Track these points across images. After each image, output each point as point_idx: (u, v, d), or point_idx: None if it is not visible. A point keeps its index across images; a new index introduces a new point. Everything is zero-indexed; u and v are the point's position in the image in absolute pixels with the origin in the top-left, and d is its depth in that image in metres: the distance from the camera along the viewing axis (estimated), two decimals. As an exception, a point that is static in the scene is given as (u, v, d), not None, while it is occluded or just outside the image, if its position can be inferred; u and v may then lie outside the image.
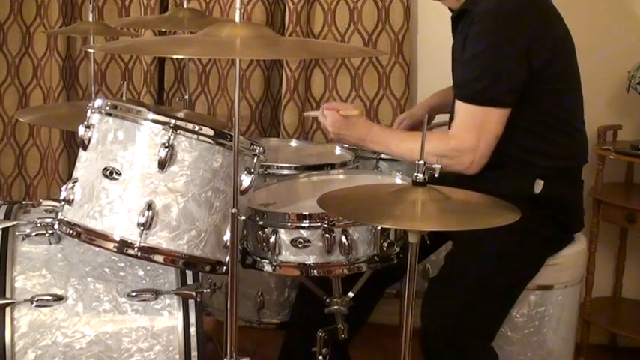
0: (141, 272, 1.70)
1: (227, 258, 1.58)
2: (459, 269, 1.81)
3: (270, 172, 2.09)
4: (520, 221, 1.77)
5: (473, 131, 1.79)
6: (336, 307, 1.82)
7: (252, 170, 1.62)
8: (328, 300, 1.83)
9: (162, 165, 1.54)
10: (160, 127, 1.55)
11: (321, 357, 1.81)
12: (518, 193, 1.81)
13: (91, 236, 1.57)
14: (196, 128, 1.56)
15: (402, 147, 1.87)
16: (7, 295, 1.61)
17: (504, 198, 1.71)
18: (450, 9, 2.01)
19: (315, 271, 1.69)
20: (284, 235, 1.68)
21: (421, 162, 1.48)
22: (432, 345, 1.76)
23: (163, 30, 2.58)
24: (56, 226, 1.64)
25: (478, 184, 1.66)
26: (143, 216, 1.53)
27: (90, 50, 2.63)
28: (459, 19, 1.90)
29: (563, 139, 1.85)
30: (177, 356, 1.65)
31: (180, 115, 2.39)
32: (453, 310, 1.74)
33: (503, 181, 1.82)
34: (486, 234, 1.71)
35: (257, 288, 2.20)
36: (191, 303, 1.67)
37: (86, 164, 1.61)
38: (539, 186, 1.85)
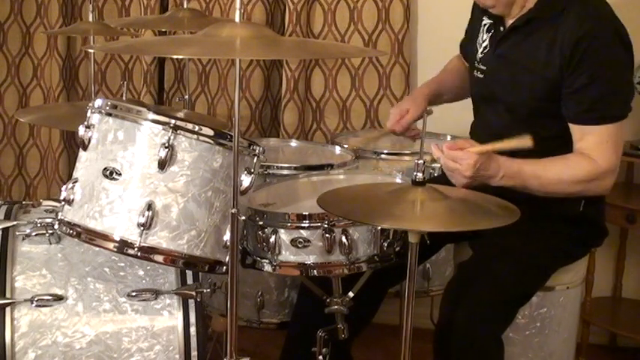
0: (141, 272, 1.70)
1: (227, 258, 1.58)
2: (487, 274, 1.79)
3: (270, 172, 2.09)
4: (556, 237, 1.85)
5: (613, 150, 1.79)
6: (336, 307, 1.82)
7: (252, 170, 1.62)
8: (328, 300, 1.83)
9: (162, 165, 1.54)
10: (160, 127, 1.55)
11: (321, 357, 1.81)
12: (565, 212, 1.86)
13: (91, 236, 1.57)
14: (196, 128, 1.56)
15: (548, 175, 1.77)
16: (7, 295, 1.61)
17: (549, 216, 1.80)
18: (492, 14, 1.95)
19: (315, 271, 1.69)
20: (284, 235, 1.68)
21: (420, 161, 1.48)
22: (447, 343, 1.75)
23: (163, 30, 2.58)
24: (56, 226, 1.64)
25: (524, 202, 1.62)
26: (143, 216, 1.53)
27: (90, 50, 2.63)
28: (523, 26, 1.85)
29: None
30: (177, 356, 1.65)
31: (180, 115, 2.39)
32: (476, 312, 1.73)
33: (553, 202, 1.81)
34: (520, 244, 1.78)
35: (257, 288, 2.20)
36: (191, 303, 1.67)
37: (86, 164, 1.61)
38: (582, 205, 1.87)
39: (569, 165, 1.78)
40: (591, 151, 1.77)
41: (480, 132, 2.00)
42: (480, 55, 2.00)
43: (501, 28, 1.92)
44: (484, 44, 1.98)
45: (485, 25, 2.00)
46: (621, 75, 1.80)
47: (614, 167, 1.80)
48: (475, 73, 2.01)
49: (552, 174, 1.78)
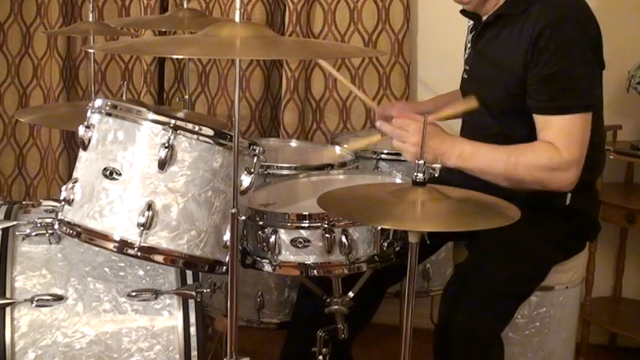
0: (141, 272, 1.70)
1: (227, 258, 1.58)
2: (483, 272, 1.79)
3: (270, 172, 2.09)
4: (547, 232, 1.84)
5: (577, 142, 1.73)
6: (336, 307, 1.82)
7: (252, 170, 1.62)
8: (328, 300, 1.83)
9: (162, 165, 1.54)
10: (160, 127, 1.55)
11: (321, 357, 1.81)
12: (550, 206, 1.84)
13: (91, 236, 1.56)
14: (196, 128, 1.56)
15: (511, 158, 1.73)
16: (7, 295, 1.61)
17: (537, 210, 1.76)
18: (468, 12, 1.98)
19: (315, 271, 1.69)
20: (284, 235, 1.68)
21: (421, 161, 1.48)
22: (446, 343, 1.75)
23: (163, 30, 2.58)
24: (56, 226, 1.64)
25: (510, 194, 1.63)
26: (143, 216, 1.53)
27: (90, 50, 2.63)
28: (494, 22, 1.86)
29: (594, 150, 1.84)
30: (177, 356, 1.65)
31: (180, 115, 2.39)
32: (474, 311, 1.73)
33: (539, 196, 1.80)
34: (514, 241, 1.76)
35: (257, 288, 2.20)
36: (191, 303, 1.67)
37: (86, 164, 1.61)
38: (568, 198, 1.85)
39: (533, 149, 1.75)
40: (554, 142, 1.74)
41: (467, 133, 2.01)
42: (465, 57, 2.02)
43: (479, 27, 1.94)
44: (468, 45, 2.00)
45: (469, 26, 2.03)
46: (583, 67, 1.76)
47: (578, 160, 1.74)
48: (463, 75, 2.04)
49: (518, 158, 1.73)
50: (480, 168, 1.76)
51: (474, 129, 1.95)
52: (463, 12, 2.03)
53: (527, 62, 1.75)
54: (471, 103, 1.71)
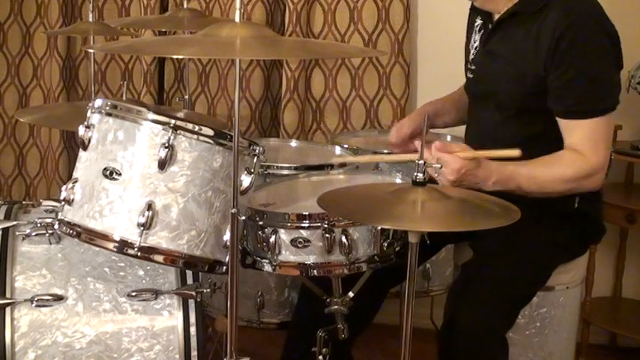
0: (141, 272, 1.70)
1: (227, 258, 1.58)
2: (489, 273, 1.79)
3: (270, 172, 2.09)
4: (553, 234, 1.85)
5: (603, 144, 1.77)
6: (336, 307, 1.82)
7: (252, 170, 1.62)
8: (328, 300, 1.83)
9: (162, 165, 1.54)
10: (160, 127, 1.55)
11: (321, 357, 1.81)
12: (559, 209, 1.85)
13: (91, 236, 1.56)
14: (196, 128, 1.56)
15: (544, 175, 1.75)
16: (7, 295, 1.61)
17: (544, 212, 1.78)
18: (479, 9, 1.97)
19: (315, 271, 1.69)
20: (284, 235, 1.68)
21: (421, 161, 1.48)
22: (451, 343, 1.75)
23: (163, 30, 2.58)
24: (56, 226, 1.64)
25: (520, 201, 1.63)
26: (143, 216, 1.53)
27: (90, 50, 2.63)
28: (508, 20, 1.85)
29: None
30: (177, 356, 1.65)
31: (180, 115, 2.39)
32: (479, 312, 1.73)
33: (548, 199, 1.80)
34: (519, 242, 1.77)
35: (257, 288, 2.20)
36: (191, 303, 1.67)
37: (86, 164, 1.61)
38: (576, 201, 1.86)
39: (563, 162, 1.77)
40: (581, 147, 1.76)
41: (472, 132, 2.00)
42: (471, 57, 2.01)
43: (490, 26, 1.92)
44: (475, 45, 1.99)
45: (477, 26, 2.01)
46: (606, 67, 1.78)
47: (605, 161, 1.78)
48: (468, 75, 2.02)
49: (548, 173, 1.76)
50: (515, 189, 1.76)
51: (481, 129, 1.94)
52: (474, 9, 2.02)
53: (547, 63, 1.75)
54: (513, 152, 1.69)
